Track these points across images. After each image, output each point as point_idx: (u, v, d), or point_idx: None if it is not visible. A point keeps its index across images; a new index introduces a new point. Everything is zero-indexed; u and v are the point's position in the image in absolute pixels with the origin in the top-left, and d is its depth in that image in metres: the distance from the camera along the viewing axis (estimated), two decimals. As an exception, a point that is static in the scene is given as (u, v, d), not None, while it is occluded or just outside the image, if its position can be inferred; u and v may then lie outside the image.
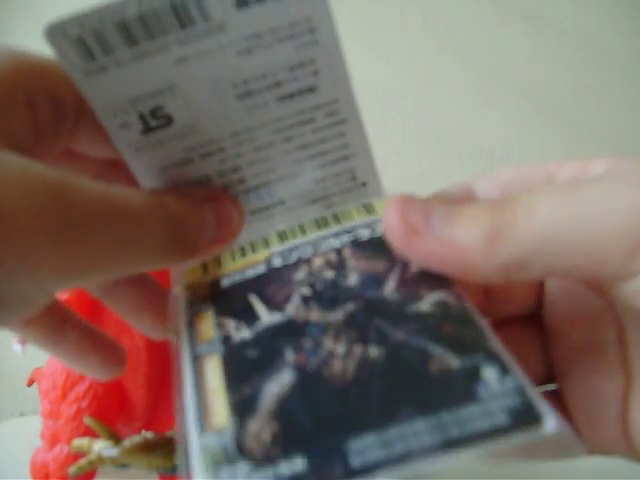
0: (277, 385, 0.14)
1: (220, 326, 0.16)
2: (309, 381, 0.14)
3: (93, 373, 0.20)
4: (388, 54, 0.63)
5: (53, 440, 0.38)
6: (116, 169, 0.19)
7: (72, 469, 0.33)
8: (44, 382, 0.39)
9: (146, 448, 0.34)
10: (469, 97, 0.63)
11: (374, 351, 0.14)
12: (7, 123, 0.15)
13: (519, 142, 0.63)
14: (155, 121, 0.16)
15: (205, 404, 0.14)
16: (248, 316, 0.16)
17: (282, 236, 0.19)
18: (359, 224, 0.18)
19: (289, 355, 0.15)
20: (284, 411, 0.14)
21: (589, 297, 0.18)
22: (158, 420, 0.40)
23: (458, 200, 0.18)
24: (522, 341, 0.20)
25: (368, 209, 0.19)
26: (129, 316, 0.20)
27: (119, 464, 0.35)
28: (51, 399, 0.38)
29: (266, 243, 0.19)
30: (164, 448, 0.34)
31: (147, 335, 0.20)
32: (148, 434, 0.34)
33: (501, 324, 0.20)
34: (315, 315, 0.16)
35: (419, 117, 0.63)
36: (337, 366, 0.14)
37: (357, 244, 0.18)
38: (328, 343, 0.15)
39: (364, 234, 0.18)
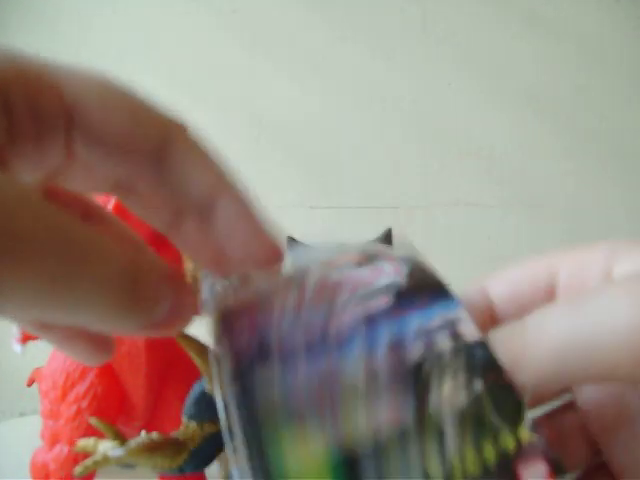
0: None
1: None
2: None
3: (82, 359, 0.20)
4: (388, 54, 0.63)
5: (53, 440, 0.38)
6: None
7: (78, 468, 0.33)
8: (44, 382, 0.39)
9: (152, 448, 0.34)
10: (469, 97, 0.63)
11: None
12: None
13: (519, 142, 0.63)
14: None
15: None
16: None
17: None
18: None
19: None
20: None
21: None
22: (158, 420, 0.40)
23: (477, 305, 0.19)
24: (563, 426, 0.20)
25: None
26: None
27: (124, 464, 0.35)
28: (51, 399, 0.38)
29: None
30: (170, 448, 0.34)
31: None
32: (154, 434, 0.34)
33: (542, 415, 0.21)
34: None
35: (419, 117, 0.63)
36: None
37: None
38: None
39: None
